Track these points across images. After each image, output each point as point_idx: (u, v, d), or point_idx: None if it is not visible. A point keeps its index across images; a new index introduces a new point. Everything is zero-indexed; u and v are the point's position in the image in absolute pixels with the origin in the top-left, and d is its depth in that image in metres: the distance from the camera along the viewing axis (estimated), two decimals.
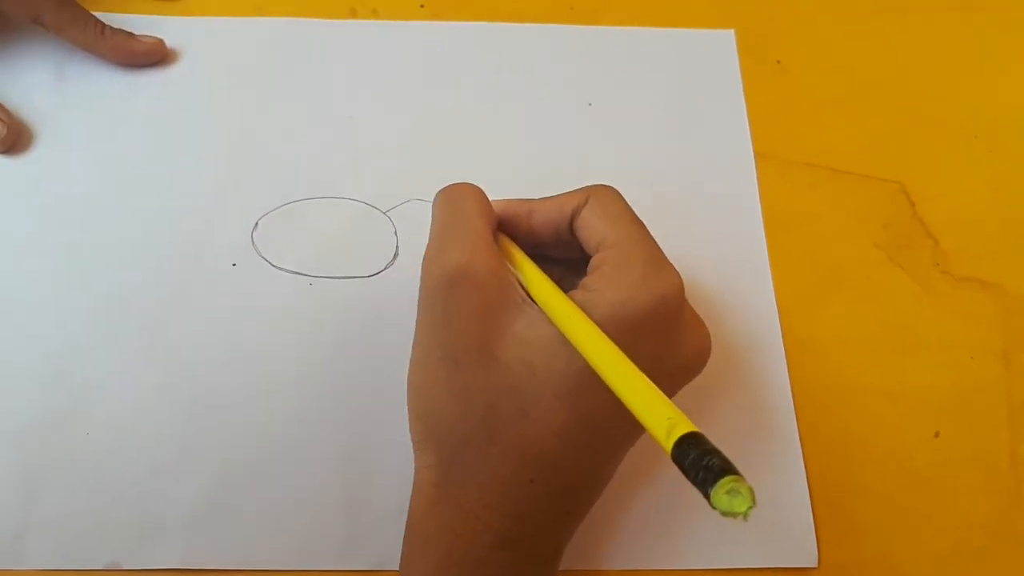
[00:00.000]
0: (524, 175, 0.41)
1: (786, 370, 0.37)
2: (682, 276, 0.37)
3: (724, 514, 0.19)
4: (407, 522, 0.30)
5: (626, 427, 0.29)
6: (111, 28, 0.41)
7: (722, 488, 0.19)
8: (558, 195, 0.32)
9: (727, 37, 0.45)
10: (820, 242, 0.40)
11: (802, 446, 0.35)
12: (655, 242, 0.30)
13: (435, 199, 0.32)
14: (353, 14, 0.45)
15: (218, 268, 0.38)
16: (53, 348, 0.36)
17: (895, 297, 0.39)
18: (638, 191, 0.40)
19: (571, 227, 0.31)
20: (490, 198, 0.32)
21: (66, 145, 0.41)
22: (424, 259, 0.30)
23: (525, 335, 0.28)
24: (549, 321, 0.28)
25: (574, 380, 0.27)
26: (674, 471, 0.19)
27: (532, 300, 0.29)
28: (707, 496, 0.19)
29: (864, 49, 0.45)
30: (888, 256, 0.40)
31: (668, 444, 0.21)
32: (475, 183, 0.32)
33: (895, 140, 0.43)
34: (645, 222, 0.29)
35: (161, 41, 0.42)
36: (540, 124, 0.43)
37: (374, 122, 0.42)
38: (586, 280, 0.29)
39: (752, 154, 0.42)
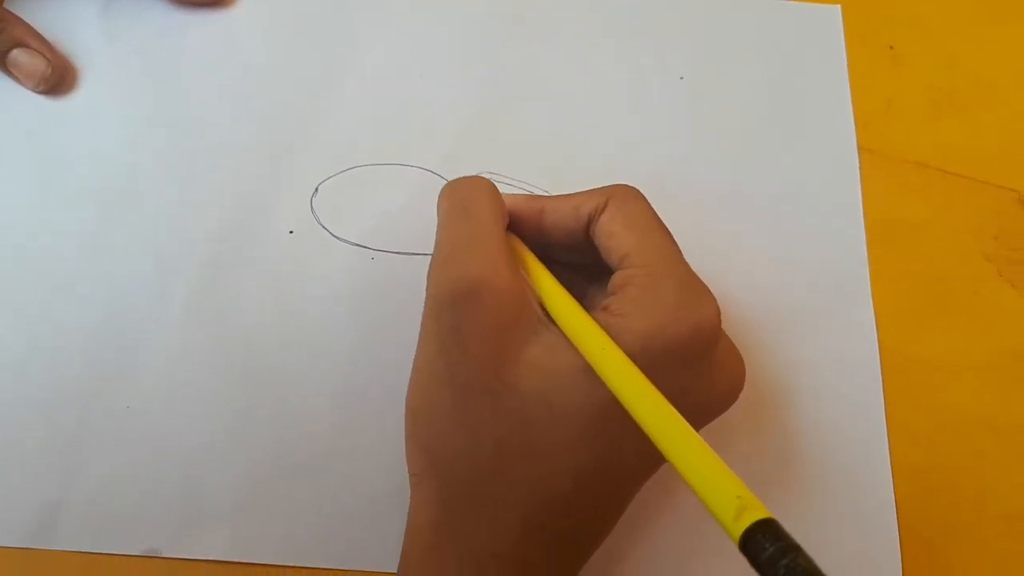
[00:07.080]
0: (603, 149, 0.38)
1: (881, 392, 0.34)
2: (772, 280, 0.34)
3: None
4: (399, 564, 0.27)
5: (647, 462, 0.26)
6: None
7: None
8: (573, 194, 0.28)
9: (833, 13, 0.42)
10: (925, 250, 0.37)
11: (893, 476, 0.33)
12: (685, 261, 0.27)
13: (441, 195, 0.28)
14: None
15: (274, 234, 0.35)
16: (93, 309, 0.33)
17: (1004, 318, 0.36)
18: (726, 178, 0.38)
19: (587, 232, 0.28)
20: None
21: (112, 87, 0.37)
22: (431, 267, 0.27)
23: (542, 362, 0.25)
24: (569, 346, 0.25)
25: (593, 417, 0.24)
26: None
27: (550, 319, 0.26)
28: None
29: (985, 43, 0.41)
30: (998, 270, 0.36)
31: (736, 529, 0.18)
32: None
33: (1014, 144, 0.39)
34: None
35: None
36: (626, 96, 0.39)
37: (447, 81, 0.39)
38: (611, 302, 0.26)
39: (856, 148, 0.38)
